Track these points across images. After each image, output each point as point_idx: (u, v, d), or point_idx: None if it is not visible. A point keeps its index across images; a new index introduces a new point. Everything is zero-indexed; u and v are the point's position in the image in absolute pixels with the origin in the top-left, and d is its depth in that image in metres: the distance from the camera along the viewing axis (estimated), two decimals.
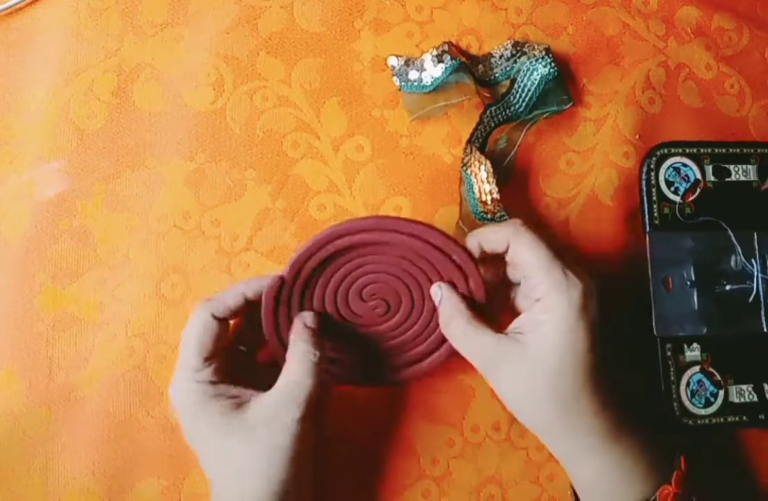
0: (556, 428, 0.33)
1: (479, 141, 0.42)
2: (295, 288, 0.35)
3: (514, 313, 0.36)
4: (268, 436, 0.32)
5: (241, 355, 0.37)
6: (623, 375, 0.39)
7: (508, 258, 0.36)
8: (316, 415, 0.34)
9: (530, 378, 0.33)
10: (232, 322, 0.36)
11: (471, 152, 0.41)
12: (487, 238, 0.35)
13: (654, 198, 0.42)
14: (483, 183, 0.40)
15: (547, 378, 0.32)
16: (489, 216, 0.40)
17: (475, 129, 0.42)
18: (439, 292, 0.36)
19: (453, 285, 0.36)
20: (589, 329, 0.33)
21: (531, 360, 0.33)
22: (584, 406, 0.33)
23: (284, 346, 0.35)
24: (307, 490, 0.34)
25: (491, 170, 0.40)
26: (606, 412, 0.33)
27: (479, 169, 0.40)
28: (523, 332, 0.33)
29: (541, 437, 0.35)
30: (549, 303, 0.33)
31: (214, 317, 0.34)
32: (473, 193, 0.41)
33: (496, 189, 0.40)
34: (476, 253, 0.35)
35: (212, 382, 0.33)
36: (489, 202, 0.40)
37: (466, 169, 0.41)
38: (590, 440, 0.33)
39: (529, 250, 0.34)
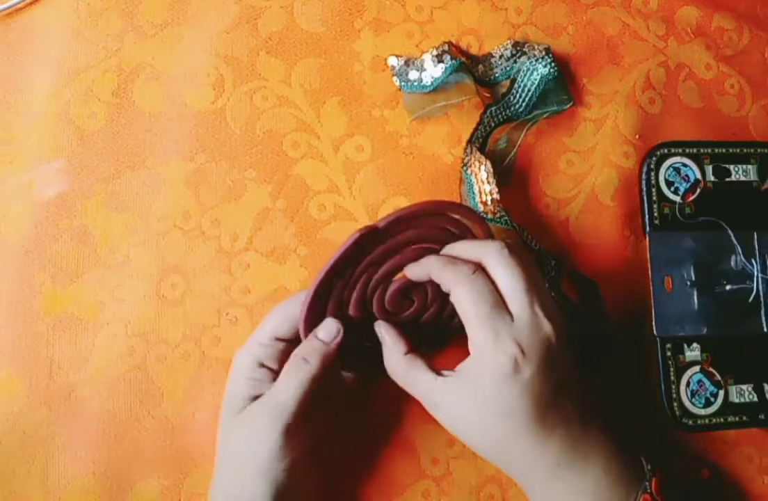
0: (513, 450, 0.31)
1: (479, 141, 0.42)
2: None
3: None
4: (250, 436, 0.32)
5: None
6: (621, 372, 0.38)
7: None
8: (301, 425, 0.32)
9: (470, 402, 0.31)
10: None
11: (471, 152, 0.41)
12: (458, 250, 0.33)
13: (654, 198, 0.42)
14: (483, 183, 0.40)
15: (485, 397, 0.31)
16: (489, 216, 0.40)
17: (476, 129, 0.42)
18: (379, 329, 0.34)
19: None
20: (521, 389, 0.30)
21: (465, 406, 0.31)
22: (537, 423, 0.30)
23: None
24: (306, 493, 0.34)
25: (491, 170, 0.40)
26: (564, 433, 0.31)
27: (479, 169, 0.40)
28: (458, 376, 0.31)
29: (501, 465, 0.33)
30: (470, 368, 0.31)
31: None
32: (473, 193, 0.41)
33: (497, 189, 0.40)
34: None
35: (261, 365, 0.33)
36: (489, 203, 0.40)
37: (466, 169, 0.41)
38: (550, 464, 0.31)
39: (477, 292, 0.31)
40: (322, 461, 0.36)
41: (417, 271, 0.33)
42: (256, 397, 0.33)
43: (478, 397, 0.30)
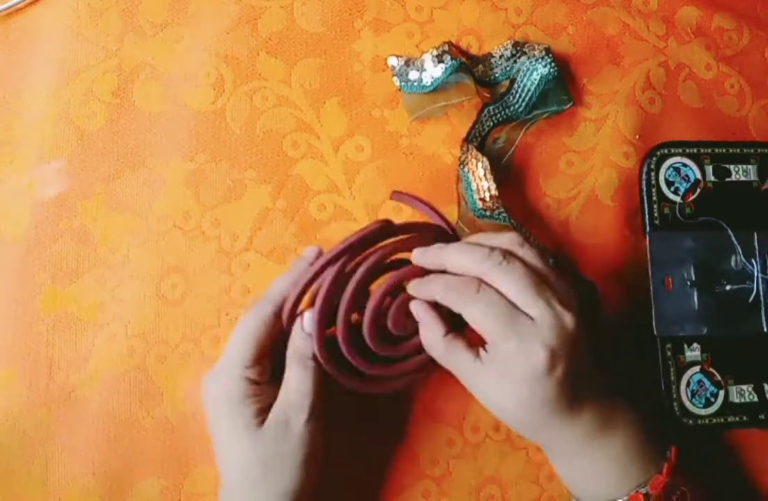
0: (542, 430, 0.34)
1: (477, 140, 0.42)
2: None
3: None
4: (275, 443, 0.33)
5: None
6: (621, 372, 0.39)
7: None
8: (322, 418, 0.34)
9: (505, 390, 0.32)
10: None
11: (468, 150, 0.41)
12: (452, 264, 0.33)
13: (654, 198, 0.42)
14: (481, 180, 0.40)
15: (521, 391, 0.32)
16: (488, 213, 0.40)
17: (472, 127, 0.42)
18: (415, 308, 0.34)
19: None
20: (554, 385, 0.31)
21: (503, 377, 0.32)
22: (567, 408, 0.32)
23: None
24: (312, 492, 0.34)
25: (489, 167, 0.40)
26: (593, 409, 0.33)
27: (476, 166, 0.40)
28: (497, 364, 0.32)
29: (529, 438, 0.35)
30: (506, 361, 0.32)
31: (275, 315, 0.34)
32: (471, 190, 0.41)
33: (494, 186, 0.40)
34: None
35: (254, 381, 0.34)
36: (488, 199, 0.40)
37: (464, 167, 0.41)
38: (579, 438, 0.33)
39: (488, 308, 0.32)
40: (322, 461, 0.36)
41: (422, 294, 0.34)
42: (261, 409, 0.33)
43: (515, 390, 0.32)
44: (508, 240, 0.33)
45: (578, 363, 0.32)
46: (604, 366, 0.35)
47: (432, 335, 0.34)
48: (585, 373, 0.33)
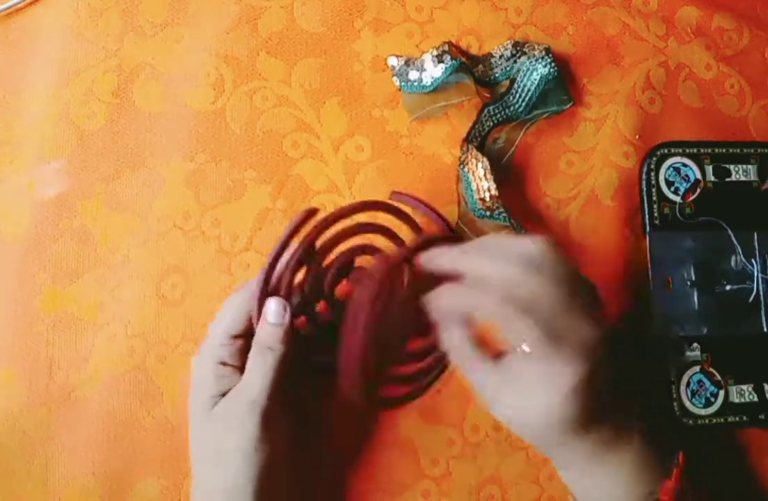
0: (553, 443, 0.33)
1: (477, 140, 0.42)
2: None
3: None
4: (218, 432, 0.32)
5: None
6: (622, 372, 0.39)
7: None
8: (278, 411, 0.33)
9: (531, 406, 0.31)
10: None
11: (468, 150, 0.41)
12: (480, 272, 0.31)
13: (654, 198, 0.42)
14: (480, 180, 0.40)
15: (548, 409, 0.31)
16: (488, 213, 0.40)
17: (472, 127, 0.42)
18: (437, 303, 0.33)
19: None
20: (569, 410, 0.30)
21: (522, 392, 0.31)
22: (586, 425, 0.31)
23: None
24: (288, 477, 0.34)
25: (489, 167, 0.40)
26: (608, 423, 0.32)
27: (476, 166, 0.40)
28: (513, 380, 0.31)
29: (542, 452, 0.35)
30: (523, 379, 0.30)
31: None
32: (471, 190, 0.41)
33: (494, 186, 0.40)
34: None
35: (224, 363, 0.33)
36: (488, 199, 0.40)
37: (464, 167, 0.41)
38: (590, 452, 0.32)
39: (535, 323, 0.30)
40: (323, 461, 0.36)
41: (462, 302, 0.32)
42: (224, 394, 0.33)
43: (528, 407, 0.31)
44: (539, 250, 0.31)
45: (593, 387, 0.30)
46: (620, 375, 0.34)
47: (457, 334, 0.32)
48: (607, 390, 0.32)
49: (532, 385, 0.30)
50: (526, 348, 0.30)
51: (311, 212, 0.33)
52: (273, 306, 0.33)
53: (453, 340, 0.32)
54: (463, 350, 0.32)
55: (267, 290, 0.33)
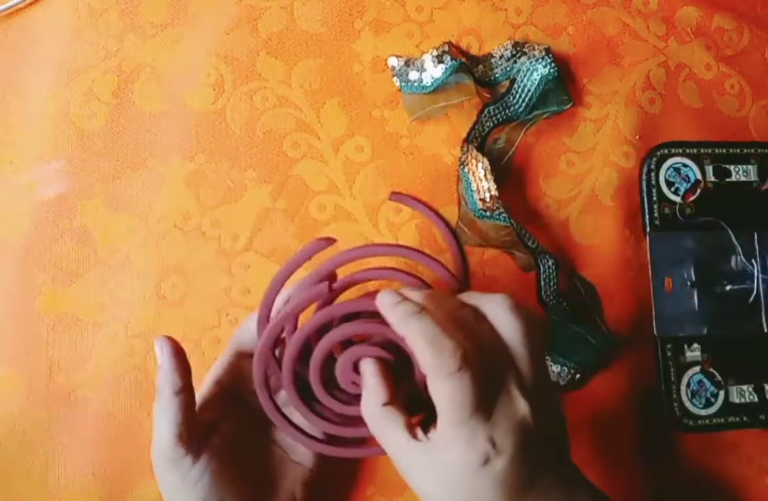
0: None
1: (477, 140, 0.42)
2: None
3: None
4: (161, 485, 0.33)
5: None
6: (622, 372, 0.39)
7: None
8: (201, 447, 0.32)
9: (439, 478, 0.28)
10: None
11: (468, 151, 0.41)
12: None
13: (654, 198, 0.42)
14: (481, 181, 0.40)
15: (457, 482, 0.28)
16: (488, 214, 0.40)
17: (473, 128, 0.42)
18: (366, 368, 0.30)
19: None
20: (494, 484, 0.27)
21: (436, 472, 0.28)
22: (511, 495, 0.28)
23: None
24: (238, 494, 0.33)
25: (489, 168, 0.40)
26: (544, 493, 0.28)
27: (477, 166, 0.40)
28: (431, 449, 0.28)
29: None
30: (442, 448, 0.27)
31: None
32: (471, 191, 0.41)
33: (495, 186, 0.40)
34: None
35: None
36: (488, 200, 0.40)
37: (464, 168, 0.41)
38: None
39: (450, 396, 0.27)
40: (322, 461, 0.36)
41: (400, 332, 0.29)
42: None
43: (448, 479, 0.28)
44: (497, 305, 0.29)
45: (526, 456, 0.27)
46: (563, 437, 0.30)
47: (371, 401, 0.29)
48: (536, 466, 0.28)
49: (444, 454, 0.27)
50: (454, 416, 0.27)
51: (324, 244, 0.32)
52: (159, 345, 0.33)
53: (370, 402, 0.30)
54: (377, 413, 0.29)
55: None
